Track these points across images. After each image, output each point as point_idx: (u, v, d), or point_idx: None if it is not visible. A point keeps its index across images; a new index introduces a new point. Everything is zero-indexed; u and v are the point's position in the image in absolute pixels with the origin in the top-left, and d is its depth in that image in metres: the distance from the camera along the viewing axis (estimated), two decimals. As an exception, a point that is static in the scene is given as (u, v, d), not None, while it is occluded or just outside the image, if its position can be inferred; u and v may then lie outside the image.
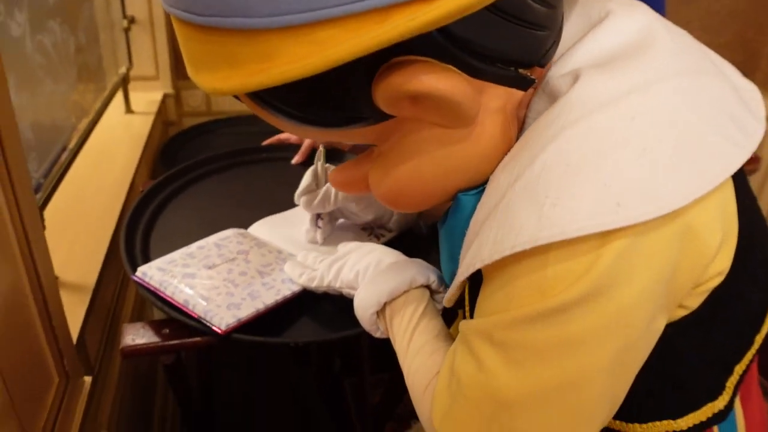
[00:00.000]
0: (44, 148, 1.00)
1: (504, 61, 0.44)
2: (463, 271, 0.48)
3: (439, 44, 0.40)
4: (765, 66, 2.38)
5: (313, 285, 0.76)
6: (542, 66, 0.47)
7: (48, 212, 0.94)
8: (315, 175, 0.89)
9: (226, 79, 0.40)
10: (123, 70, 1.65)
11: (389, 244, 0.82)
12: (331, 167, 0.90)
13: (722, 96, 0.46)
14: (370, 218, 0.93)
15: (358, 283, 0.68)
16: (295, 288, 0.79)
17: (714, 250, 0.44)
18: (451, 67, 0.41)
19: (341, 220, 0.96)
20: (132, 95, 1.70)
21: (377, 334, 0.67)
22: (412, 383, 0.57)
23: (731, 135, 0.44)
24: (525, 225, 0.41)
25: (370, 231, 0.95)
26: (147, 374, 1.34)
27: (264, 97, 0.44)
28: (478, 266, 0.45)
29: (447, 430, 0.49)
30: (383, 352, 0.60)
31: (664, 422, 0.51)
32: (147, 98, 1.79)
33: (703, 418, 0.51)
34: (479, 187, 0.51)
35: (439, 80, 0.41)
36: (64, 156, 1.08)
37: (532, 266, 0.42)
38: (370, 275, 0.67)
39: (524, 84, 0.46)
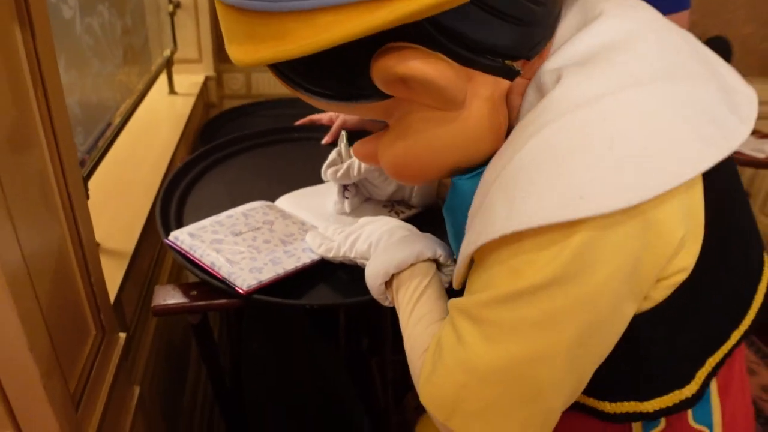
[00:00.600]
0: (90, 123, 1.08)
1: (491, 52, 0.48)
2: (460, 261, 0.54)
3: (429, 33, 0.46)
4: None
5: (331, 255, 0.81)
6: (529, 59, 0.51)
7: (92, 183, 1.01)
8: (339, 153, 0.96)
9: (248, 52, 0.48)
10: (167, 52, 1.73)
11: (408, 221, 0.87)
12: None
13: (704, 98, 0.48)
14: (391, 190, 0.98)
15: (371, 254, 0.73)
16: (314, 257, 0.85)
17: (675, 245, 0.47)
18: (439, 54, 0.47)
19: (364, 200, 1.01)
20: (175, 77, 1.78)
21: (386, 303, 0.71)
22: (410, 350, 0.62)
23: (707, 135, 0.46)
24: (497, 218, 0.47)
25: (391, 208, 1.00)
26: (181, 337, 1.42)
27: (284, 71, 0.52)
28: (468, 253, 0.51)
29: (426, 393, 0.54)
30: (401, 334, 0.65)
31: (632, 403, 0.55)
32: (190, 80, 1.87)
33: (670, 404, 0.55)
34: (473, 172, 0.56)
35: (426, 66, 0.46)
36: (109, 132, 1.15)
37: (509, 253, 0.48)
38: (381, 247, 0.71)
39: (510, 74, 0.51)
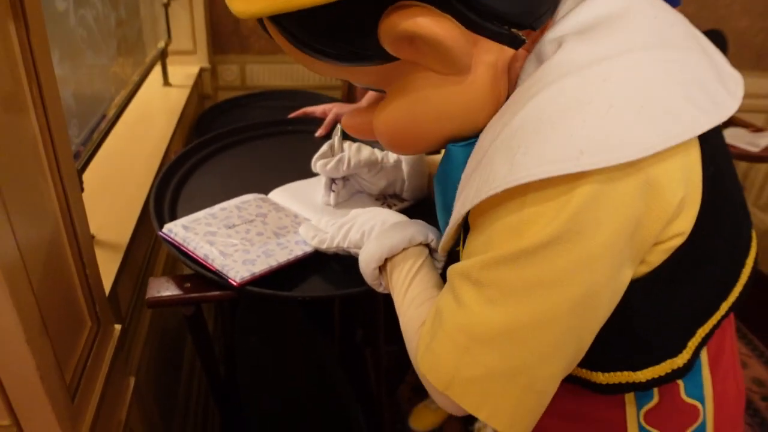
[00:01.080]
0: (85, 115, 1.08)
1: (499, 19, 0.49)
2: (453, 219, 0.53)
3: None
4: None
5: (324, 246, 0.82)
6: (534, 29, 0.52)
7: (87, 176, 1.01)
8: (331, 146, 0.96)
9: (252, 3, 0.47)
10: (162, 44, 1.73)
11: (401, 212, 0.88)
12: (346, 142, 0.97)
13: (697, 68, 0.49)
14: (382, 185, 0.98)
15: (364, 242, 0.74)
16: (307, 249, 0.85)
17: (674, 207, 0.48)
18: (448, 16, 0.47)
19: (356, 193, 1.02)
20: (170, 69, 1.78)
21: (380, 289, 0.72)
22: (406, 329, 0.62)
23: (700, 102, 0.47)
24: (499, 172, 0.47)
25: (383, 201, 1.00)
26: (176, 329, 1.43)
27: (286, 26, 0.51)
28: (463, 212, 0.51)
29: (426, 362, 0.54)
30: (395, 324, 0.66)
31: (625, 373, 0.55)
32: (184, 72, 1.87)
33: (662, 373, 0.55)
34: (469, 140, 0.56)
35: (435, 25, 0.46)
36: (104, 124, 1.15)
37: (509, 209, 0.48)
38: (374, 234, 0.72)
39: (516, 43, 0.51)
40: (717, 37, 2.12)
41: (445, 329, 0.52)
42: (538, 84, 0.48)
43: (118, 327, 0.86)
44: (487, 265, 0.49)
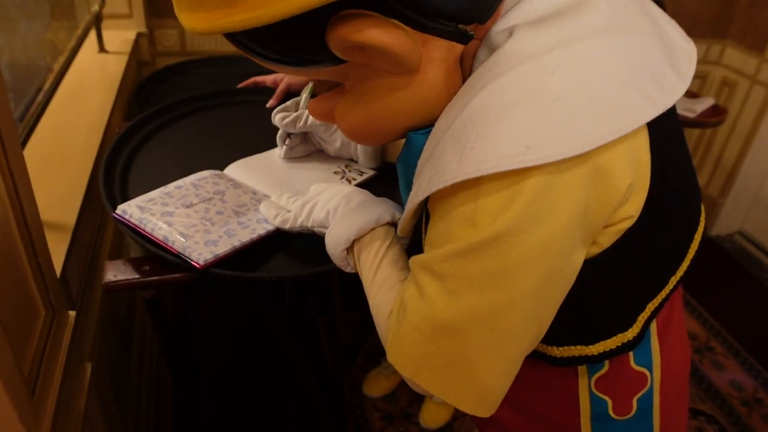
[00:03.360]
0: (20, 89, 1.01)
1: (444, 16, 0.49)
2: (409, 204, 0.55)
3: (383, 1, 0.46)
4: (740, 18, 2.41)
5: (287, 226, 0.80)
6: (482, 23, 0.52)
7: (26, 153, 0.95)
8: (296, 102, 0.97)
9: (200, 20, 0.47)
10: (96, 7, 1.63)
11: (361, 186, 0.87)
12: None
13: (647, 54, 0.51)
14: (337, 145, 1.01)
15: (329, 222, 0.72)
16: (270, 227, 0.83)
17: (623, 193, 0.49)
18: (394, 21, 0.47)
19: (314, 152, 1.03)
20: (105, 34, 1.68)
21: (348, 270, 0.72)
22: (377, 315, 0.63)
23: (648, 91, 0.48)
24: (449, 165, 0.48)
25: (342, 175, 0.99)
26: (126, 308, 1.39)
27: (236, 37, 0.51)
28: (417, 201, 0.52)
29: (394, 350, 0.56)
30: (355, 291, 0.66)
31: (578, 347, 0.58)
32: (120, 37, 1.78)
33: (613, 346, 0.58)
34: (428, 128, 0.57)
35: (381, 33, 0.47)
36: (40, 97, 1.09)
37: (463, 199, 0.49)
38: (340, 214, 0.71)
39: (464, 39, 0.51)
40: (656, 3, 2.16)
41: (410, 320, 0.53)
42: (489, 74, 0.49)
43: (72, 313, 0.83)
44: (446, 258, 0.50)
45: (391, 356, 0.56)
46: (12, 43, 1.01)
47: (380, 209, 0.68)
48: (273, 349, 1.56)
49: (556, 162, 0.45)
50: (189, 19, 0.48)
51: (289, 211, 0.82)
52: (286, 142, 1.00)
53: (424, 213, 0.59)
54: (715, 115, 2.03)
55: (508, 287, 0.49)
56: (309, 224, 0.77)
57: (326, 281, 1.52)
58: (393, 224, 0.69)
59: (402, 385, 1.85)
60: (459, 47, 0.53)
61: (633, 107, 0.47)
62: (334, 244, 0.69)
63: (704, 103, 2.04)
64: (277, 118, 0.97)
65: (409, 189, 0.60)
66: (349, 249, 0.70)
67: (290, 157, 1.02)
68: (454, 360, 0.52)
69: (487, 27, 0.52)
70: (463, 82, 0.54)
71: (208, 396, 1.38)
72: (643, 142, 0.51)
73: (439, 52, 0.52)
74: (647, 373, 0.65)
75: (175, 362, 1.08)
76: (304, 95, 0.98)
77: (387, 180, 1.00)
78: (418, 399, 1.83)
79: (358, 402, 1.83)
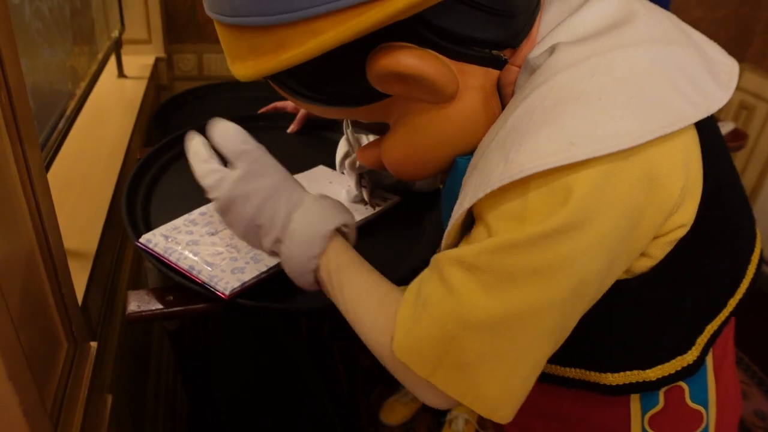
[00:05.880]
0: (44, 115, 1.01)
1: (478, 43, 0.51)
2: (454, 215, 0.53)
3: (417, 31, 0.49)
4: (757, 42, 2.40)
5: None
6: (515, 47, 0.53)
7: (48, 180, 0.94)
8: (348, 141, 0.94)
9: (250, 67, 0.51)
10: (116, 33, 1.64)
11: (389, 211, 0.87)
12: (360, 135, 0.95)
13: (687, 62, 0.50)
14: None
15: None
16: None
17: (676, 198, 0.48)
18: (429, 50, 0.50)
19: (338, 191, 0.99)
20: (124, 59, 1.69)
21: (313, 289, 0.65)
22: (372, 323, 0.57)
23: (689, 95, 0.48)
24: (495, 171, 0.47)
25: (366, 204, 0.97)
26: (144, 337, 1.37)
27: (285, 81, 0.54)
28: (462, 211, 0.51)
29: (407, 347, 0.52)
30: None
31: (634, 372, 0.55)
32: (139, 62, 1.78)
33: (672, 371, 0.55)
34: (472, 153, 0.56)
35: (418, 61, 0.49)
36: (62, 123, 1.08)
37: (509, 199, 0.48)
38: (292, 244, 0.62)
39: (498, 64, 0.53)
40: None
41: (432, 315, 0.51)
42: (529, 86, 0.49)
43: (94, 344, 0.81)
44: (485, 251, 0.48)
45: (402, 353, 0.52)
46: (35, 69, 1.00)
47: (328, 223, 0.61)
48: (289, 375, 1.54)
49: (604, 158, 0.44)
50: (241, 67, 0.52)
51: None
52: (363, 184, 0.94)
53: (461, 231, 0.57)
54: (736, 140, 2.01)
55: (547, 286, 0.47)
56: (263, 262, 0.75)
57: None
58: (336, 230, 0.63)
59: (420, 413, 1.82)
60: (495, 73, 0.54)
61: (676, 108, 0.47)
62: (299, 275, 0.63)
63: (725, 128, 2.02)
64: (347, 164, 0.93)
65: (450, 215, 0.59)
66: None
67: (370, 198, 0.95)
68: (475, 360, 0.49)
69: (524, 53, 0.53)
70: (505, 104, 0.55)
71: (225, 422, 1.36)
72: (694, 147, 0.50)
73: (476, 79, 0.53)
74: (703, 411, 0.62)
75: (194, 391, 1.06)
76: (348, 131, 0.92)
77: (410, 206, 0.99)
78: (437, 428, 1.79)
79: (375, 429, 1.79)
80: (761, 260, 0.61)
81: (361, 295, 0.59)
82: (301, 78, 0.53)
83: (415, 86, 0.51)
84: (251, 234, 0.64)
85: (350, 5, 0.45)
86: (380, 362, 0.58)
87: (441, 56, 0.50)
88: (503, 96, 0.55)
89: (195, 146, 0.68)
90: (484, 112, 0.55)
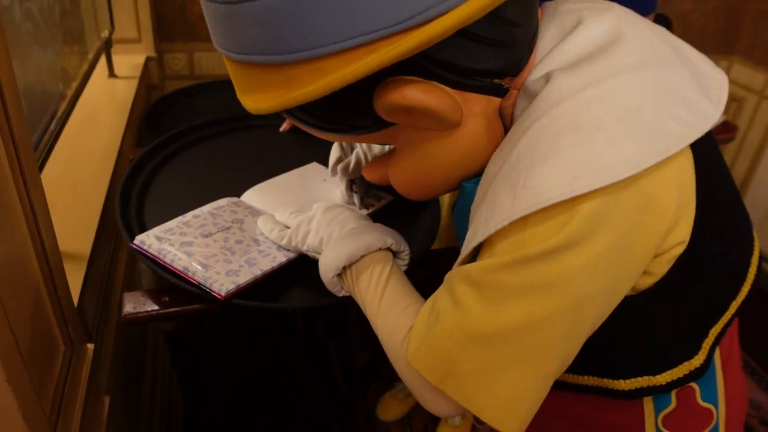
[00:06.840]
0: (35, 116, 1.00)
1: (480, 74, 0.53)
2: (465, 247, 0.55)
3: (422, 66, 0.51)
4: (746, 34, 2.41)
5: (283, 243, 0.81)
6: (515, 75, 0.55)
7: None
8: (340, 146, 0.94)
9: (260, 101, 0.53)
10: (105, 33, 1.63)
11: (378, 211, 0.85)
12: None
13: (679, 83, 0.52)
14: None
15: (322, 248, 0.73)
16: (291, 255, 0.82)
17: (671, 218, 0.50)
18: (434, 83, 0.52)
19: (331, 189, 0.99)
20: (114, 59, 1.68)
21: (341, 294, 0.72)
22: (389, 341, 0.62)
23: (683, 117, 0.50)
24: (504, 207, 0.49)
25: (362, 202, 0.97)
26: (139, 338, 1.37)
27: (294, 112, 0.57)
28: (475, 243, 0.53)
29: (419, 357, 0.56)
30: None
31: (645, 378, 0.58)
32: (129, 62, 1.78)
33: (681, 375, 0.58)
34: (478, 176, 0.59)
35: (422, 94, 0.51)
36: (54, 124, 1.08)
37: (514, 230, 0.50)
38: (332, 240, 0.71)
39: (500, 92, 0.55)
40: (662, 21, 2.16)
41: (443, 326, 0.54)
42: (530, 118, 0.51)
43: (90, 346, 0.81)
44: (489, 269, 0.51)
45: (416, 362, 0.56)
46: (26, 71, 1.00)
47: (371, 236, 0.69)
48: (285, 374, 1.54)
49: (605, 188, 0.46)
50: (251, 100, 0.54)
51: (285, 228, 0.82)
52: (354, 189, 0.95)
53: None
54: (726, 132, 2.02)
55: (546, 301, 0.49)
56: (303, 248, 0.78)
57: (340, 305, 1.50)
58: (390, 250, 0.70)
59: (416, 408, 1.83)
60: (497, 100, 0.56)
61: (671, 132, 0.48)
62: (325, 272, 0.70)
63: (715, 120, 2.03)
64: (340, 170, 0.92)
65: (464, 234, 0.62)
66: (342, 274, 0.70)
67: (362, 199, 0.96)
68: (484, 369, 0.52)
69: (523, 78, 0.55)
70: (506, 129, 0.58)
71: (221, 422, 1.36)
72: (687, 163, 0.52)
73: (479, 106, 0.55)
74: (713, 409, 0.64)
75: (190, 391, 1.06)
76: None
77: (404, 206, 0.99)
78: (433, 422, 1.80)
79: (372, 426, 1.80)
80: (761, 260, 0.62)
81: (381, 310, 0.64)
82: (311, 111, 0.55)
83: (422, 117, 0.53)
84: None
85: (355, 45, 0.46)
86: (395, 370, 0.62)
87: (445, 87, 0.52)
88: (503, 117, 0.57)
89: (261, 224, 0.85)
90: (487, 136, 0.57)
